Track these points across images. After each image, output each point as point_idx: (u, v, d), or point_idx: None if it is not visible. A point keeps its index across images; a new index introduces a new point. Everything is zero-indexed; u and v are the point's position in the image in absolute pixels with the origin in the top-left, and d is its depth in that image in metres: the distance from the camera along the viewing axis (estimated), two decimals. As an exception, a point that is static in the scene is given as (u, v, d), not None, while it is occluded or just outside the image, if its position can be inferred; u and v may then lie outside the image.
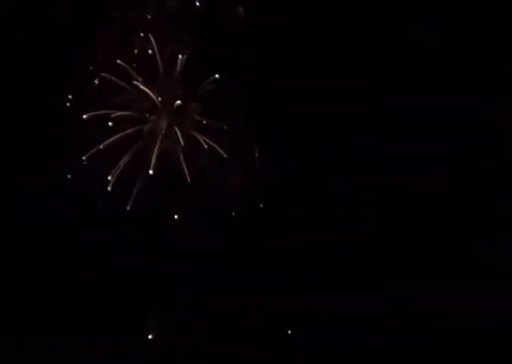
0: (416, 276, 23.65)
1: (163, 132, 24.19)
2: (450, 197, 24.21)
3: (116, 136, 23.85)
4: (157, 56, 24.27)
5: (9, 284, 23.24)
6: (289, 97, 24.51)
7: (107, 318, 23.22)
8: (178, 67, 24.31)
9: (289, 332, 23.74)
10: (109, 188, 23.76)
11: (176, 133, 24.18)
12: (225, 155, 24.06)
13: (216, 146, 24.06)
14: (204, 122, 24.36)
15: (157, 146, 24.06)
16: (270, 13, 24.77)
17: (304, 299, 23.41)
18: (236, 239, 23.76)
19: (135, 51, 24.41)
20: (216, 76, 24.10)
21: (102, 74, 24.08)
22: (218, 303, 23.34)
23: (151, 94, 24.19)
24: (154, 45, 24.28)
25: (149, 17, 24.57)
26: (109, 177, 23.79)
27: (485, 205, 24.01)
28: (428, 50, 24.79)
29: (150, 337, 23.60)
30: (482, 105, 24.17)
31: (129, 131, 24.09)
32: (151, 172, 23.88)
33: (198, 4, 24.71)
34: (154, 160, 23.90)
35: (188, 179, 23.91)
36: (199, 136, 24.20)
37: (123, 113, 24.08)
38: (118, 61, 23.98)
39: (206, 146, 24.06)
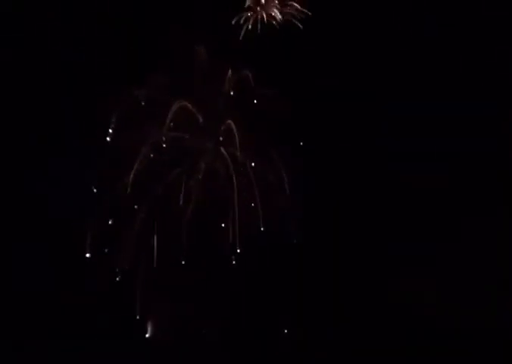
0: (416, 276, 23.63)
1: (209, 156, 23.40)
2: (450, 197, 24.22)
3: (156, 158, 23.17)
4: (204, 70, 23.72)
5: (8, 285, 23.22)
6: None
7: (104, 317, 23.13)
8: (227, 84, 23.74)
9: (286, 331, 23.74)
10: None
11: (224, 157, 23.44)
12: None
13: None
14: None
15: (202, 171, 23.34)
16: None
17: (302, 300, 23.48)
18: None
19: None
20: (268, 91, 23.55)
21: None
22: (216, 303, 23.33)
23: (196, 113, 23.51)
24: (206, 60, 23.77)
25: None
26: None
27: (485, 205, 24.01)
28: (429, 51, 24.77)
29: (147, 335, 23.50)
30: (482, 105, 24.17)
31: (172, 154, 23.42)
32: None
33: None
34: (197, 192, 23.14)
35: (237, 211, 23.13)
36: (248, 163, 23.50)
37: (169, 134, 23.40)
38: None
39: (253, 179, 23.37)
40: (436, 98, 24.55)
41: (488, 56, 24.37)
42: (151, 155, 23.54)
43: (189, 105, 23.74)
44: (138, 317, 23.13)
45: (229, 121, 23.74)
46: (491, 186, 24.13)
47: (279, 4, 24.41)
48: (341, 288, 23.65)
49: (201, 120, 23.85)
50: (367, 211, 24.31)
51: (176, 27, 23.46)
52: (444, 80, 24.55)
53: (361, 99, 24.83)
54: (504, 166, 24.03)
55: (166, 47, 23.53)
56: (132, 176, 23.07)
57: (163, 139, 23.66)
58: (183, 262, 23.14)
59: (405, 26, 24.74)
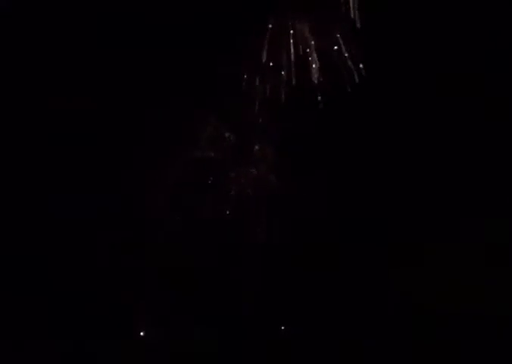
0: (416, 276, 23.63)
1: (241, 178, 22.68)
2: (450, 197, 24.23)
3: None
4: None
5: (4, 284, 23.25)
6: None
7: (95, 315, 23.04)
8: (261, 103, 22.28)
9: (283, 328, 23.70)
10: None
11: (256, 180, 22.67)
12: None
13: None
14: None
15: (232, 193, 22.63)
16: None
17: (299, 295, 23.46)
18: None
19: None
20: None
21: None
22: (212, 299, 23.33)
23: (229, 132, 22.80)
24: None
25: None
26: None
27: (485, 206, 24.00)
28: (429, 50, 24.81)
29: (141, 334, 23.40)
30: (482, 105, 24.19)
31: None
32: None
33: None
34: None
35: None
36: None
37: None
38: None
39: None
40: (436, 98, 24.56)
41: (488, 56, 24.41)
42: (181, 173, 22.96)
43: (222, 124, 23.10)
44: (136, 317, 23.16)
45: (263, 142, 23.13)
46: (491, 187, 24.13)
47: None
48: (341, 287, 23.68)
49: (233, 140, 23.28)
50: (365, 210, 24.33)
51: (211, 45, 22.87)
52: (443, 79, 24.57)
53: (362, 100, 24.85)
54: (504, 166, 24.03)
55: (198, 64, 22.58)
56: (160, 192, 22.69)
57: (194, 157, 23.07)
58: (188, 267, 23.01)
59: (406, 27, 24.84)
